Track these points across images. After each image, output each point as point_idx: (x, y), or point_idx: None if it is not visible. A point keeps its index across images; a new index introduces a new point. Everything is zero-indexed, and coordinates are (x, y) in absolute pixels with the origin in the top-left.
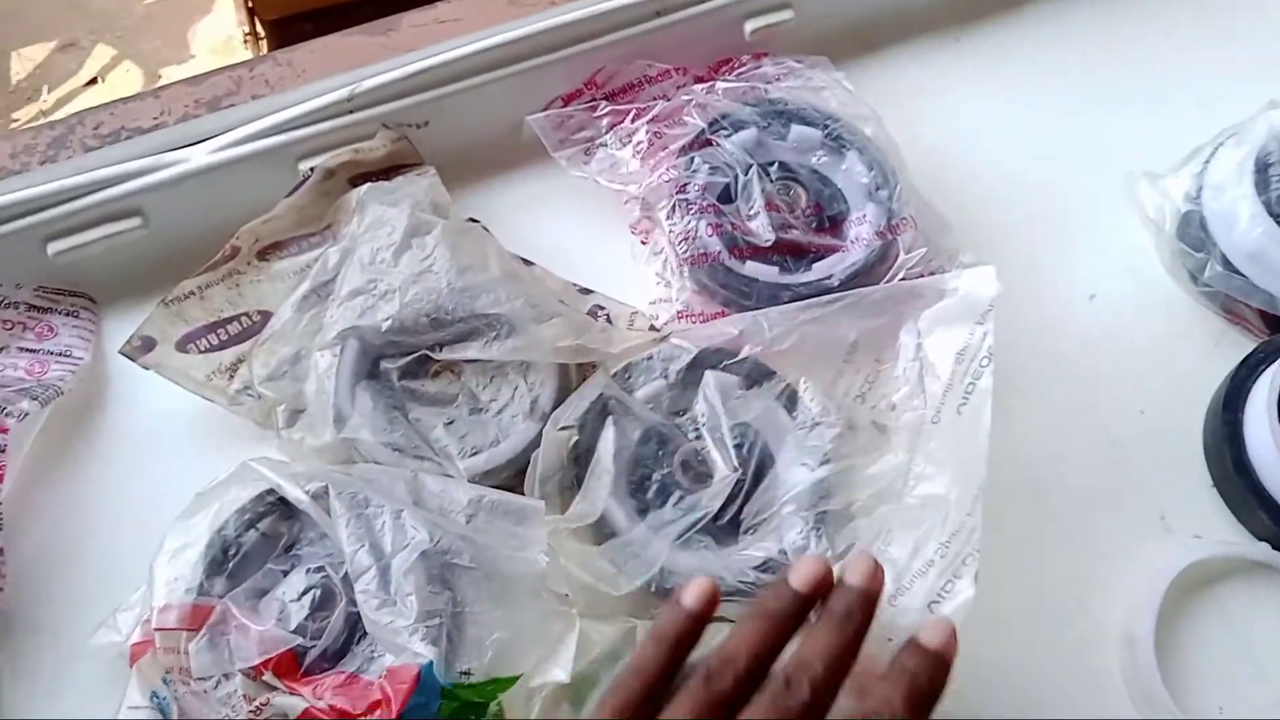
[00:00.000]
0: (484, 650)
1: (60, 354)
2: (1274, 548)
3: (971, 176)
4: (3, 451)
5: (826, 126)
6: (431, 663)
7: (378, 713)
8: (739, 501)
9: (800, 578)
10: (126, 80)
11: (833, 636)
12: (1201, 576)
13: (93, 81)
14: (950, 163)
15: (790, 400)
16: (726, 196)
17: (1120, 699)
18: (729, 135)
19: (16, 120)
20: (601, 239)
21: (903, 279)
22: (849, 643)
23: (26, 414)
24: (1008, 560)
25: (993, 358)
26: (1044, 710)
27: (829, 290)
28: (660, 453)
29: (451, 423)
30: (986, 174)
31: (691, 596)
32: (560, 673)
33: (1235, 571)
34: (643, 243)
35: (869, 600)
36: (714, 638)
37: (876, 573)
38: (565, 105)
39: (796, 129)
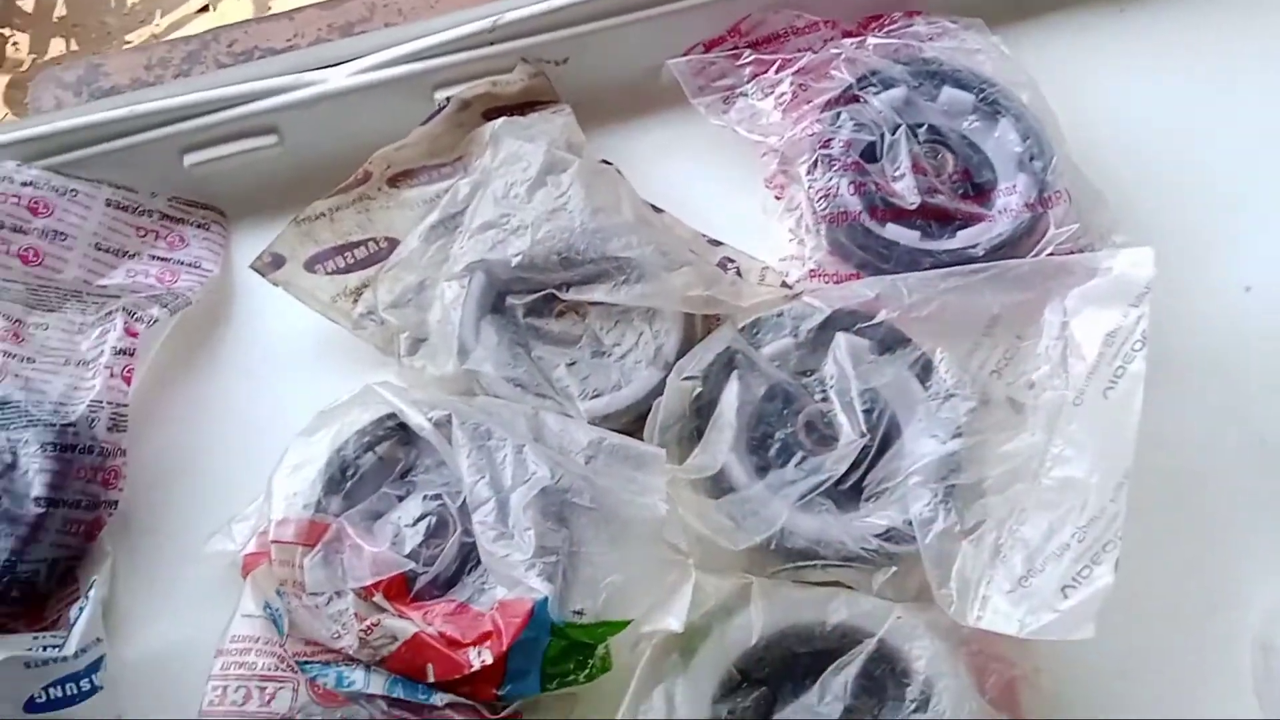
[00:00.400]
0: (598, 592)
1: (190, 264)
2: None
3: (1127, 153)
4: (131, 355)
5: (980, 91)
6: (546, 598)
7: (487, 643)
8: (863, 468)
9: None
10: (237, 8)
11: None
12: None
13: (204, 9)
14: (1105, 139)
15: (924, 370)
16: (871, 156)
17: (1249, 705)
18: (877, 93)
19: (129, 42)
20: (733, 192)
21: (1051, 254)
22: None
23: (156, 320)
24: (1141, 552)
25: (1147, 342)
26: (1167, 708)
27: (972, 260)
28: (784, 411)
29: (574, 364)
30: (1144, 151)
31: None
32: (674, 621)
33: None
34: (777, 198)
35: None
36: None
37: None
38: (707, 51)
39: (948, 91)
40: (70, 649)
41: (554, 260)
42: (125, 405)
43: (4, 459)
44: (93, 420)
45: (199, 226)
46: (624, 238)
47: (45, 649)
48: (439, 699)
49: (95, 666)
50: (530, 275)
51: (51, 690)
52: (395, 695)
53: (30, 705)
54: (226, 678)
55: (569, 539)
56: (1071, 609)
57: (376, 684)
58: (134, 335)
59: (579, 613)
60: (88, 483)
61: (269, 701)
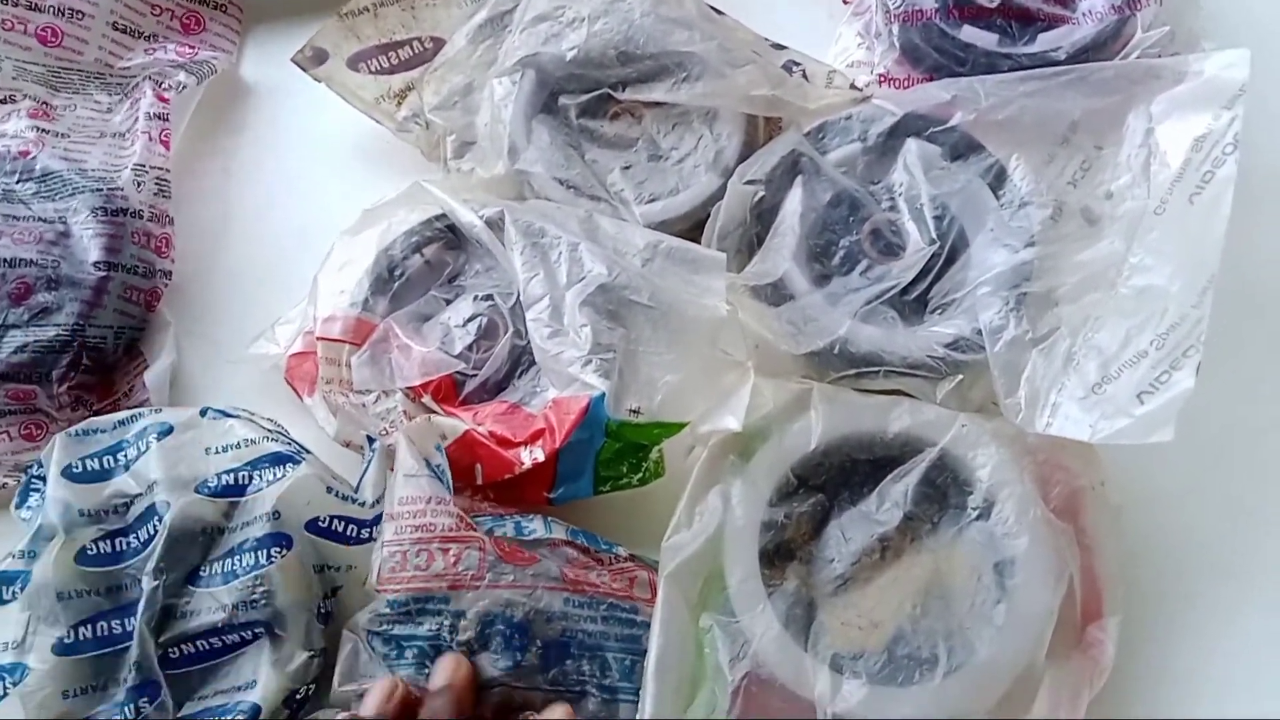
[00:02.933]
0: (654, 391)
1: (209, 43)
2: None
3: None
4: (165, 119)
5: None
6: (603, 394)
7: (539, 442)
8: (930, 277)
9: (366, 707)
10: None
11: None
12: None
13: None
14: None
15: (997, 177)
16: None
17: None
18: None
19: None
20: None
21: (1138, 59)
22: None
23: (184, 86)
24: (1216, 369)
25: (1239, 146)
26: (1231, 528)
27: (1054, 64)
28: (850, 219)
29: (629, 167)
30: None
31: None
32: (733, 420)
33: None
34: (844, 2)
35: (458, 696)
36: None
37: (459, 667)
38: None
39: None
40: (366, 499)
41: (611, 55)
42: (167, 170)
43: (57, 228)
44: (139, 184)
45: (216, 7)
46: (686, 32)
47: (346, 497)
48: (621, 550)
49: (378, 520)
50: (585, 72)
51: (336, 523)
52: (578, 541)
53: (312, 525)
54: (402, 543)
55: (625, 337)
56: (1148, 413)
57: (558, 531)
58: (165, 101)
59: (635, 411)
60: (142, 248)
61: (455, 563)
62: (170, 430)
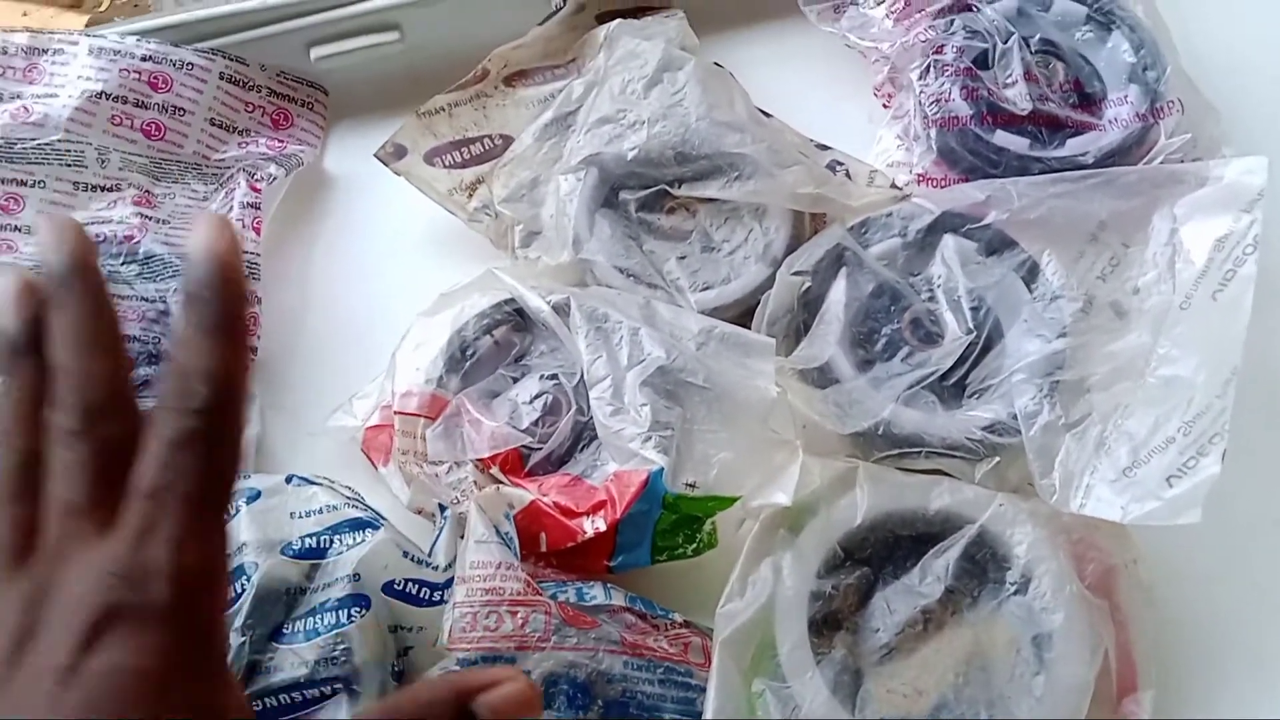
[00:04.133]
0: (709, 467)
1: (296, 138)
2: None
3: (1240, 67)
4: (257, 209)
5: (1094, 2)
6: (661, 469)
7: (601, 513)
8: (967, 365)
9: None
10: None
11: (60, 325)
12: None
13: None
14: (1218, 52)
15: (1030, 272)
16: (982, 63)
17: None
18: (990, 2)
19: None
20: (839, 100)
21: (1161, 164)
22: (83, 317)
23: (274, 178)
24: (1242, 458)
25: (1259, 247)
26: (1260, 607)
27: (1082, 168)
28: (891, 308)
29: (684, 258)
30: (1257, 66)
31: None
32: (783, 496)
33: None
34: (884, 105)
35: (78, 259)
36: None
37: (68, 228)
38: None
39: (1060, 3)
40: (439, 563)
41: (668, 155)
42: (258, 255)
43: (158, 307)
44: None
45: (304, 104)
46: (738, 135)
47: (420, 561)
48: (676, 616)
49: (449, 584)
50: (644, 170)
51: (410, 585)
52: (636, 607)
53: (388, 588)
54: (473, 605)
55: (682, 416)
56: (1177, 496)
57: (617, 597)
58: (257, 190)
59: (691, 485)
60: None
61: (523, 625)
62: (259, 495)
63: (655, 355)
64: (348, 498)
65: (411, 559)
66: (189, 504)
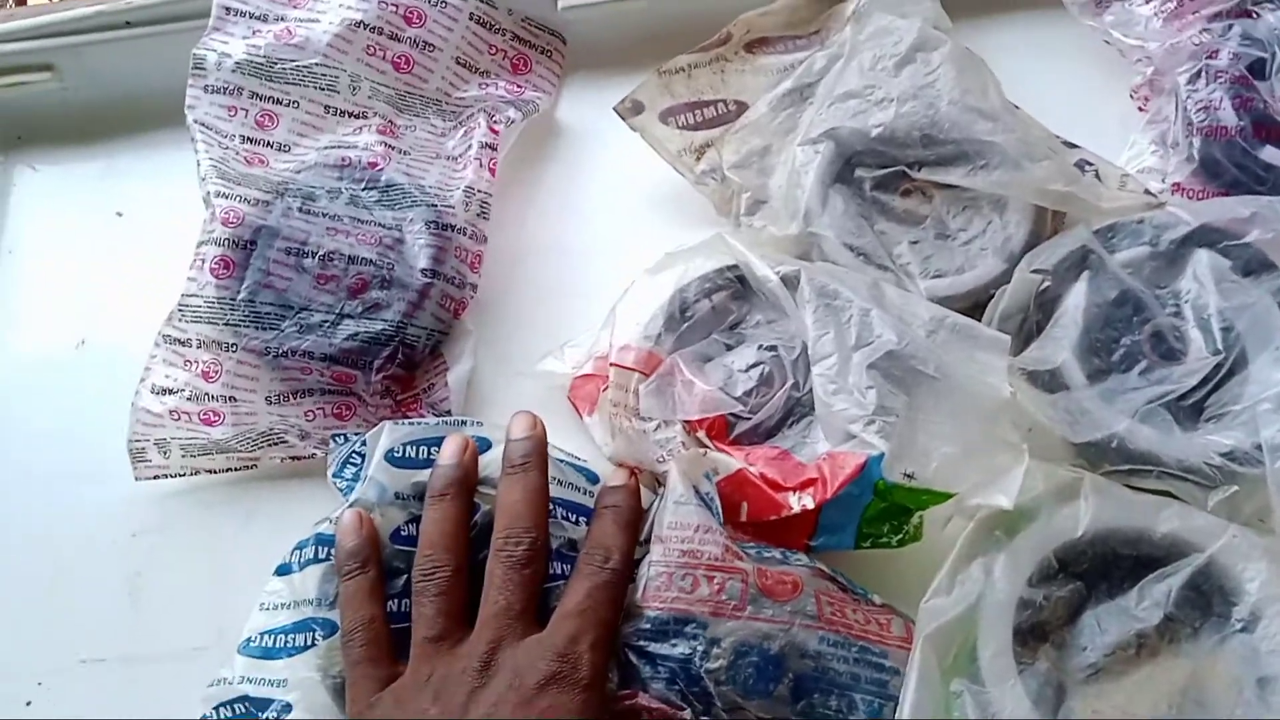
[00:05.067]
0: (930, 459)
1: (533, 84)
2: None
3: None
4: (494, 149)
5: None
6: (881, 455)
7: (809, 490)
8: (1209, 387)
9: (444, 455)
10: None
11: (516, 485)
12: None
13: None
14: None
15: None
16: (1259, 73)
17: None
18: (1274, 9)
19: None
20: (1091, 98)
21: None
22: (535, 486)
23: (512, 121)
24: None
25: None
26: None
27: None
28: (1133, 319)
29: (917, 242)
30: None
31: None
32: (1004, 499)
33: None
34: (1141, 109)
35: (538, 444)
36: None
37: (536, 423)
38: None
39: None
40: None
41: (914, 136)
42: (490, 194)
43: (394, 234)
44: (467, 204)
45: (543, 52)
46: (989, 123)
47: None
48: (876, 598)
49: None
50: (885, 149)
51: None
52: (839, 579)
53: None
54: (669, 565)
55: (908, 404)
56: None
57: (821, 565)
58: (495, 132)
59: (909, 475)
60: (459, 262)
61: (719, 591)
62: (490, 447)
63: (886, 338)
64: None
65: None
66: (602, 625)
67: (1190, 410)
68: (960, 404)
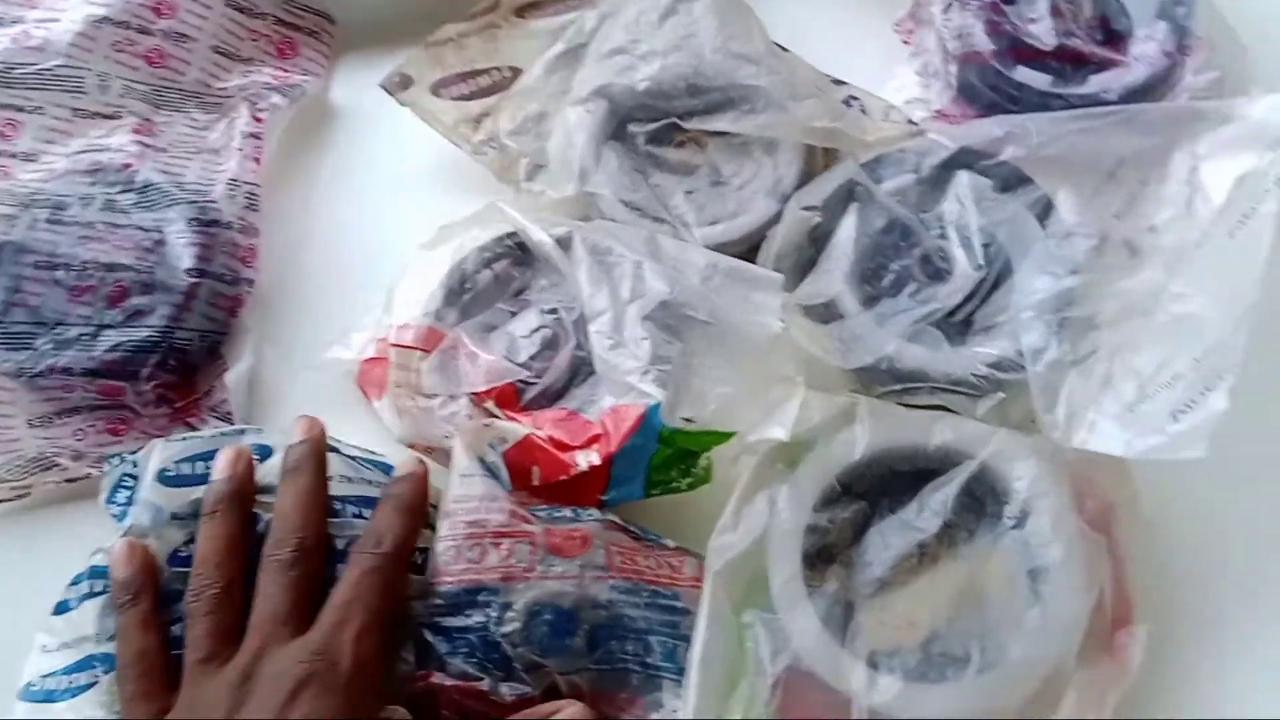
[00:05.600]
0: (706, 402)
1: (301, 68)
2: None
3: (1271, 2)
4: (259, 138)
5: None
6: (658, 403)
7: (595, 446)
8: (975, 301)
9: (216, 470)
10: None
11: (288, 491)
12: None
13: None
14: None
15: (1044, 210)
16: None
17: None
18: None
19: None
20: (856, 36)
21: (1186, 102)
22: (306, 488)
23: (277, 108)
24: (1250, 396)
25: None
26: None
27: (1104, 105)
28: (901, 245)
29: (691, 192)
30: None
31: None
32: (780, 431)
33: None
34: (905, 42)
35: (313, 446)
36: None
37: (313, 426)
38: None
39: None
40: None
41: (681, 87)
42: (258, 185)
43: (154, 236)
44: (231, 197)
45: (310, 34)
46: (752, 67)
47: None
48: (669, 543)
49: None
50: (655, 103)
51: None
52: (630, 529)
53: None
54: (456, 538)
55: (683, 351)
56: (1182, 431)
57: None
58: (259, 121)
59: (688, 420)
60: (229, 258)
61: (507, 557)
62: (271, 454)
63: (657, 289)
64: (366, 466)
65: None
66: (370, 612)
67: (961, 325)
68: (734, 345)
